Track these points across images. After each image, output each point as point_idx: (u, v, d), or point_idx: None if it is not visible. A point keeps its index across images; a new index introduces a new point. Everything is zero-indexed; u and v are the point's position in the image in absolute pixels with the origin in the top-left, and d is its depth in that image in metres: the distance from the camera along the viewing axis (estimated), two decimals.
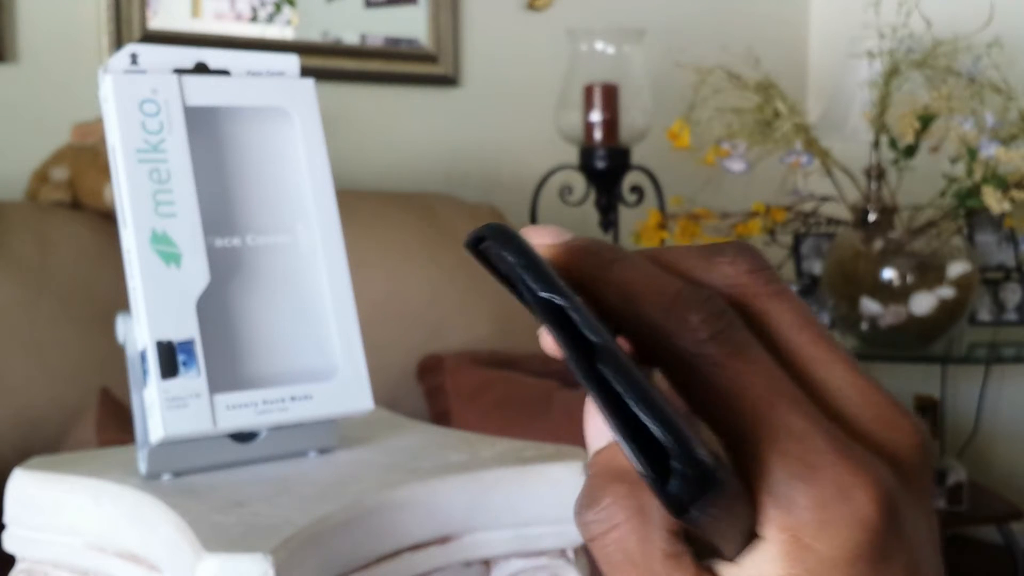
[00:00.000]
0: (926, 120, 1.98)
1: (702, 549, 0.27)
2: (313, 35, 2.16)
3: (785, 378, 0.27)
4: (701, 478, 0.24)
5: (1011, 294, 2.36)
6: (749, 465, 0.26)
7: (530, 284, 0.27)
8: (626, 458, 0.26)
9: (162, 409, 0.69)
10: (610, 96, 2.13)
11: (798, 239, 2.37)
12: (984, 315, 2.36)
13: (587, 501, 0.27)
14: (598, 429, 0.29)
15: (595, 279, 0.28)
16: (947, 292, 2.04)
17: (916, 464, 0.28)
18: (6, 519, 0.75)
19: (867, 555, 0.26)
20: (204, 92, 0.74)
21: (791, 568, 0.26)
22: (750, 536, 0.26)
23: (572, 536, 0.76)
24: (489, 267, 0.29)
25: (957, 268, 2.05)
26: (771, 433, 0.26)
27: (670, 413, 0.25)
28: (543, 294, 0.27)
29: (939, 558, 0.28)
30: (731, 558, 0.27)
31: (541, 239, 0.29)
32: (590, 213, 2.22)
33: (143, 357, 0.70)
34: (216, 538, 0.62)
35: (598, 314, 0.27)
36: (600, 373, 0.26)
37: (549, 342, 0.28)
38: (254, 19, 2.08)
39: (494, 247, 0.28)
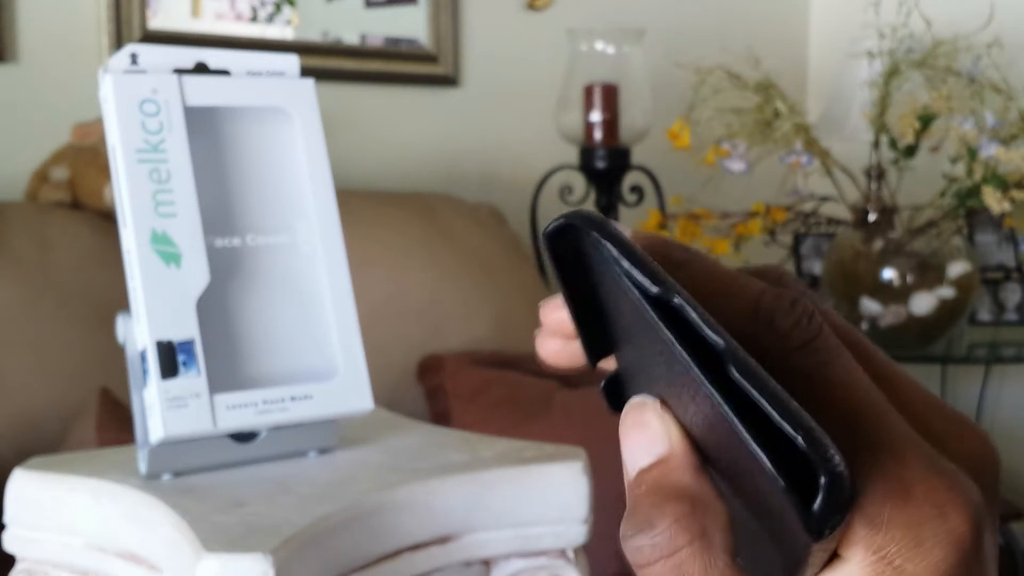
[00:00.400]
0: (926, 120, 1.98)
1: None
2: (313, 35, 2.16)
3: (876, 390, 0.26)
4: (845, 495, 0.22)
5: (1011, 294, 2.36)
6: None
7: (639, 280, 0.24)
8: (682, 473, 0.24)
9: (162, 409, 0.69)
10: (610, 96, 2.13)
11: (798, 239, 2.37)
12: (984, 315, 2.36)
13: (640, 523, 0.24)
14: (640, 446, 0.26)
15: (686, 262, 0.26)
16: (947, 292, 2.04)
17: (987, 478, 0.27)
18: (6, 519, 0.75)
19: (955, 574, 0.25)
20: (204, 92, 0.74)
21: None
22: (832, 556, 0.25)
23: (572, 536, 0.76)
24: (561, 260, 0.26)
25: (957, 268, 2.05)
26: (864, 449, 0.25)
27: (811, 422, 0.23)
28: (655, 289, 0.24)
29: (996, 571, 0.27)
30: None
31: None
32: None
33: (143, 357, 0.70)
34: (216, 538, 0.62)
35: None
36: (728, 378, 0.23)
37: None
38: (254, 19, 2.08)
39: (589, 238, 0.25)
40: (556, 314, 0.27)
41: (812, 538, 0.23)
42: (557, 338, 0.28)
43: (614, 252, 0.25)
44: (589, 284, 0.26)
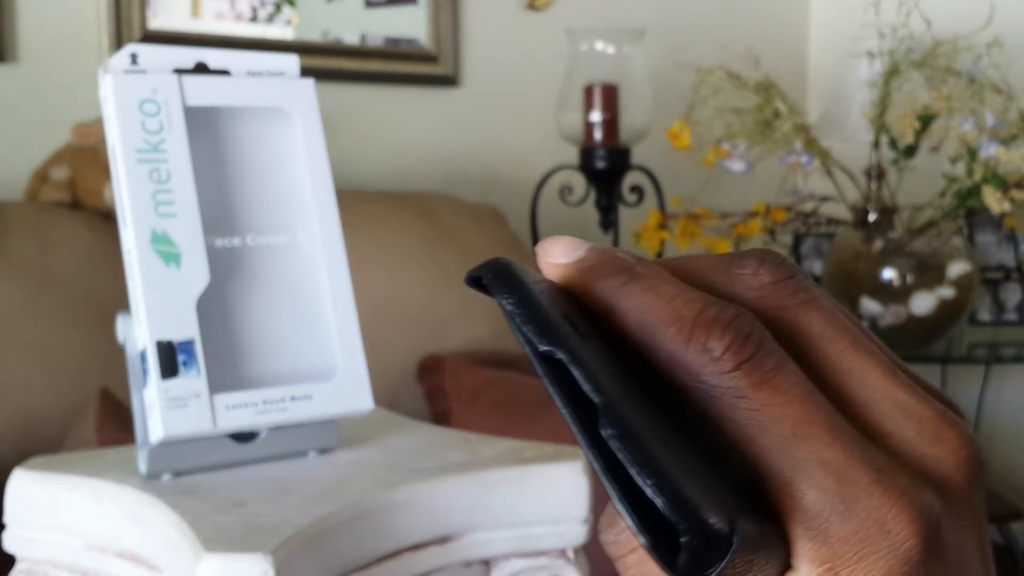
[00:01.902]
0: (926, 120, 1.98)
1: None
2: (313, 35, 2.16)
3: (821, 403, 0.25)
4: (712, 547, 0.23)
5: (1011, 294, 2.36)
6: (782, 499, 0.25)
7: (529, 337, 0.25)
8: None
9: (162, 409, 0.69)
10: (610, 96, 2.13)
11: (798, 239, 2.37)
12: (984, 315, 2.36)
13: (608, 520, 0.26)
14: None
15: (610, 306, 0.26)
16: (947, 292, 2.04)
17: (963, 480, 0.26)
18: (6, 519, 0.75)
19: None
20: (204, 92, 0.74)
21: None
22: (784, 568, 0.25)
23: (572, 536, 0.76)
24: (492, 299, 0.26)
25: (957, 268, 2.05)
26: (804, 469, 0.25)
27: (677, 482, 0.23)
28: (543, 348, 0.24)
29: (989, 567, 0.27)
30: None
31: (552, 257, 0.27)
32: (590, 213, 2.22)
33: (143, 357, 0.70)
34: (216, 538, 0.62)
35: (618, 344, 0.25)
36: (601, 438, 0.24)
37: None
38: (254, 19, 2.08)
39: (493, 289, 0.25)
40: None
41: None
42: None
43: (507, 307, 0.25)
44: None
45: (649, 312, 0.26)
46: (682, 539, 0.23)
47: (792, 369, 0.25)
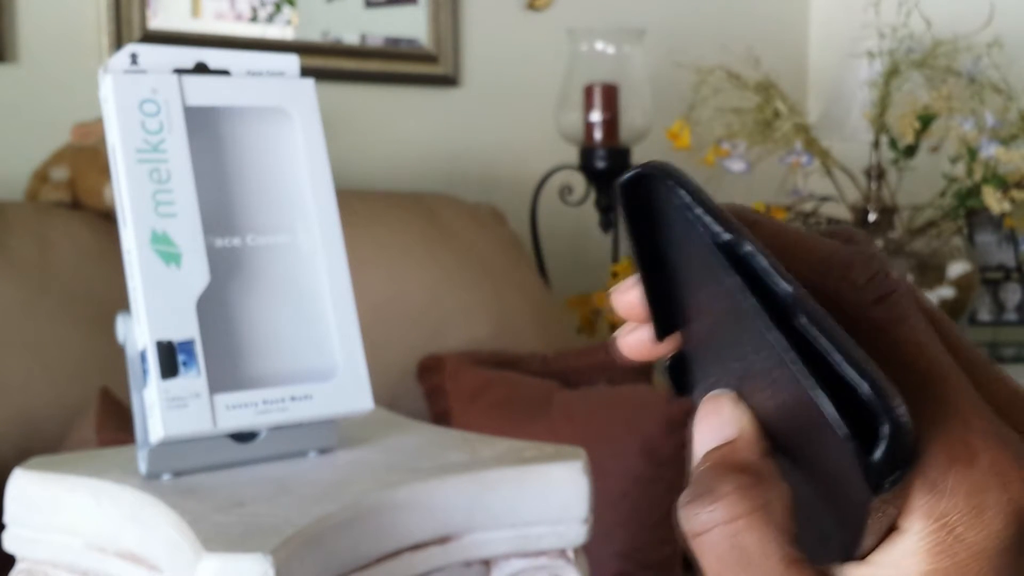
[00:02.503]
0: (926, 120, 1.98)
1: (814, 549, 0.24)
2: (313, 35, 2.16)
3: (947, 354, 0.25)
4: (908, 445, 0.22)
5: (1011, 294, 2.36)
6: None
7: (710, 225, 0.24)
8: (749, 452, 0.23)
9: (162, 409, 0.69)
10: (610, 96, 2.13)
11: None
12: (984, 315, 2.36)
13: (702, 491, 0.24)
14: (711, 429, 0.26)
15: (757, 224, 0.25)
16: (947, 292, 2.04)
17: None
18: (6, 519, 0.75)
19: (1014, 546, 0.24)
20: (204, 92, 0.74)
21: (938, 562, 0.24)
22: (888, 530, 0.24)
23: (572, 536, 0.76)
24: (633, 211, 0.25)
25: (957, 268, 2.05)
26: (932, 411, 0.24)
27: (878, 371, 0.22)
28: (726, 236, 0.24)
29: None
30: (865, 554, 0.25)
31: None
32: (590, 213, 2.22)
33: (143, 357, 0.70)
34: (216, 538, 0.62)
35: None
36: (796, 326, 0.23)
37: (629, 300, 0.25)
38: (254, 19, 2.08)
39: (662, 186, 0.24)
40: (627, 296, 0.27)
41: (872, 491, 0.22)
42: (633, 333, 0.27)
43: (687, 199, 0.24)
44: (661, 240, 0.26)
45: (784, 244, 0.25)
46: (883, 428, 0.22)
47: (923, 316, 0.25)
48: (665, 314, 0.26)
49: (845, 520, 0.24)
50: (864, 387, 0.22)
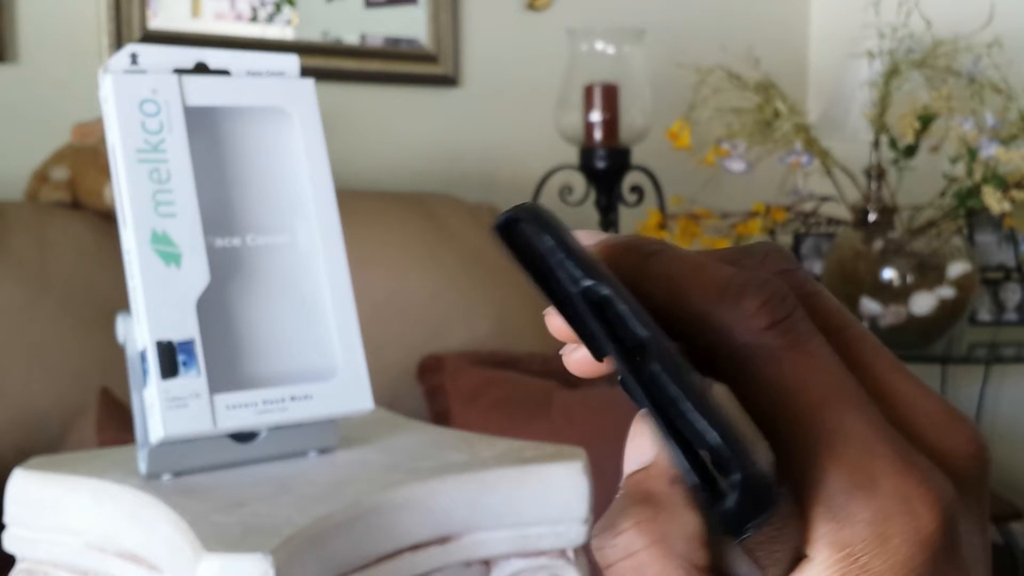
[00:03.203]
0: (926, 120, 1.98)
1: None
2: (313, 35, 2.16)
3: (850, 376, 0.24)
4: (762, 493, 0.22)
5: (1011, 294, 2.36)
6: (803, 473, 0.24)
7: (572, 271, 0.24)
8: (656, 481, 0.23)
9: (162, 409, 0.69)
10: (610, 96, 2.13)
11: (798, 239, 2.37)
12: (984, 315, 2.36)
13: (605, 524, 0.25)
14: (638, 449, 0.26)
15: (636, 274, 0.25)
16: (947, 292, 2.04)
17: (973, 475, 0.25)
18: (6, 519, 0.75)
19: (924, 572, 0.23)
20: (204, 92, 0.74)
21: None
22: (795, 558, 0.24)
23: (572, 536, 0.75)
24: (515, 254, 0.25)
25: (957, 268, 2.05)
26: (831, 438, 0.24)
27: (729, 418, 0.22)
28: (586, 282, 0.24)
29: (990, 568, 0.26)
30: None
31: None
32: (590, 213, 2.22)
33: (143, 357, 0.70)
34: (216, 538, 0.62)
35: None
36: (650, 373, 0.23)
37: (557, 324, 0.25)
38: (254, 19, 2.08)
39: (530, 230, 0.24)
40: (555, 321, 0.27)
41: (734, 536, 0.22)
42: (576, 352, 0.27)
43: (549, 243, 0.24)
44: (550, 278, 0.26)
45: (679, 277, 0.25)
46: (733, 476, 0.22)
47: (822, 338, 0.25)
48: (592, 337, 0.26)
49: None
50: (712, 436, 0.22)
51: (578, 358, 0.27)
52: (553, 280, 0.24)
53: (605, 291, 0.24)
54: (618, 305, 0.23)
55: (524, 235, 0.25)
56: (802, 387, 0.24)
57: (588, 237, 0.27)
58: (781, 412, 0.24)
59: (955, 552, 0.24)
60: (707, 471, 0.22)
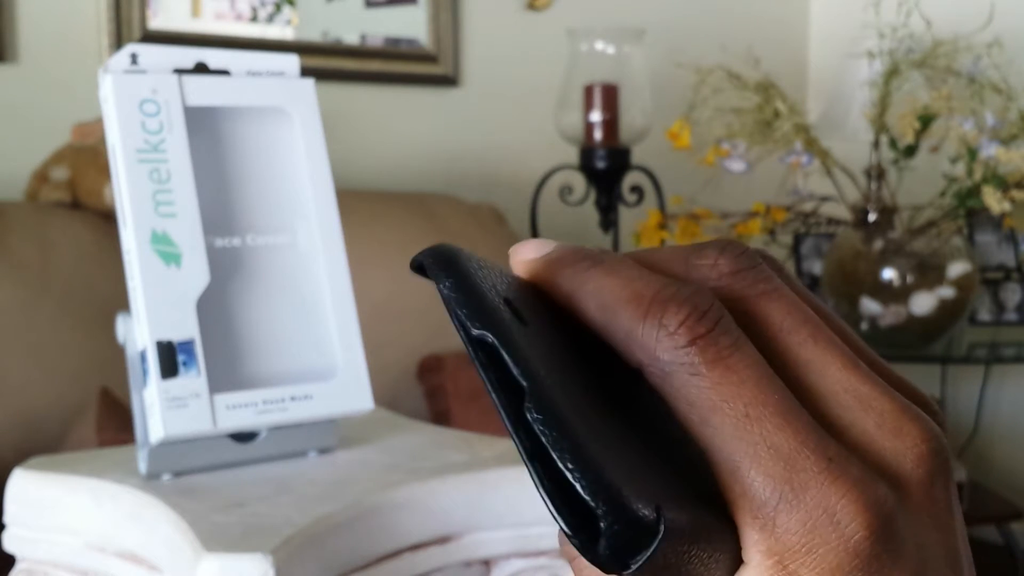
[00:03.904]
0: (926, 120, 1.98)
1: None
2: (313, 35, 2.16)
3: (776, 386, 0.25)
4: (635, 535, 0.22)
5: (1011, 294, 2.37)
6: (730, 486, 0.24)
7: (463, 319, 0.24)
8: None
9: (162, 409, 0.69)
10: (610, 96, 2.13)
11: (798, 239, 2.37)
12: (984, 315, 2.36)
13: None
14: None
15: (572, 292, 0.26)
16: (947, 292, 2.04)
17: (923, 475, 0.25)
18: (6, 519, 0.75)
19: None
20: (204, 92, 0.74)
21: None
22: (737, 561, 0.25)
23: None
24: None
25: (957, 268, 2.05)
26: (754, 453, 0.24)
27: (601, 463, 0.23)
28: (475, 331, 0.24)
29: (959, 567, 0.26)
30: None
31: (522, 256, 0.27)
32: (590, 213, 2.22)
33: (143, 357, 0.70)
34: (216, 538, 0.62)
35: (582, 337, 0.25)
36: (526, 423, 0.23)
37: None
38: (254, 19, 2.08)
39: (432, 275, 0.25)
40: None
41: (618, 571, 0.23)
42: None
43: (443, 291, 0.25)
44: None
45: (608, 293, 0.25)
46: (601, 523, 0.22)
47: (750, 351, 0.25)
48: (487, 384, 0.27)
49: None
50: (580, 486, 0.22)
51: None
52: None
53: (490, 339, 0.24)
54: (502, 353, 0.24)
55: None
56: (724, 403, 0.24)
57: (536, 248, 0.27)
58: (706, 428, 0.25)
59: (894, 556, 0.24)
60: (589, 518, 0.23)
